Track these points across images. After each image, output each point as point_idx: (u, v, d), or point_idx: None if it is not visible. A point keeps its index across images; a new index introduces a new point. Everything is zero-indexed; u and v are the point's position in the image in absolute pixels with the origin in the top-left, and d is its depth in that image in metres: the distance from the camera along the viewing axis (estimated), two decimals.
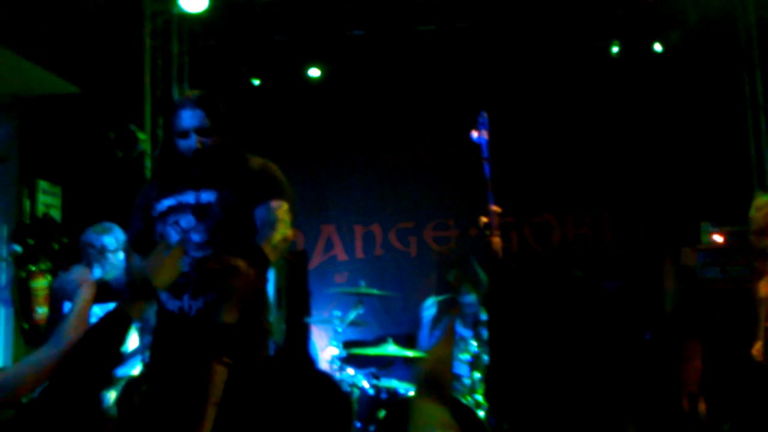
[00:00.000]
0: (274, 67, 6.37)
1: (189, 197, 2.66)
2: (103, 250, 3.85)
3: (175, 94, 5.99)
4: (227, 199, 2.63)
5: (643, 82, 6.03)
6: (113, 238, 3.89)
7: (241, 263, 2.04)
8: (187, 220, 2.63)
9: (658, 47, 5.85)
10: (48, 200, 5.90)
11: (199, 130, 2.61)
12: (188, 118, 2.62)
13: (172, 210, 2.67)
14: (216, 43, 6.30)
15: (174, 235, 2.63)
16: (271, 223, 2.52)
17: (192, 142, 2.62)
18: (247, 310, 2.45)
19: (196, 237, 2.60)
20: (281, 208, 2.59)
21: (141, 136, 5.71)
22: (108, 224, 3.93)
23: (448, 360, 1.69)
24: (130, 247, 2.79)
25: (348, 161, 6.41)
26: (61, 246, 5.57)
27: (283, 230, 2.50)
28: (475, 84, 5.99)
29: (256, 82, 6.40)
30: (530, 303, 1.23)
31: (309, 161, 6.44)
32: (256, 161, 2.74)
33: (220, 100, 2.72)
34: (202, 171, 2.66)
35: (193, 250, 2.58)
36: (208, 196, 2.64)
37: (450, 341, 1.75)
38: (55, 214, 5.91)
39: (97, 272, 3.89)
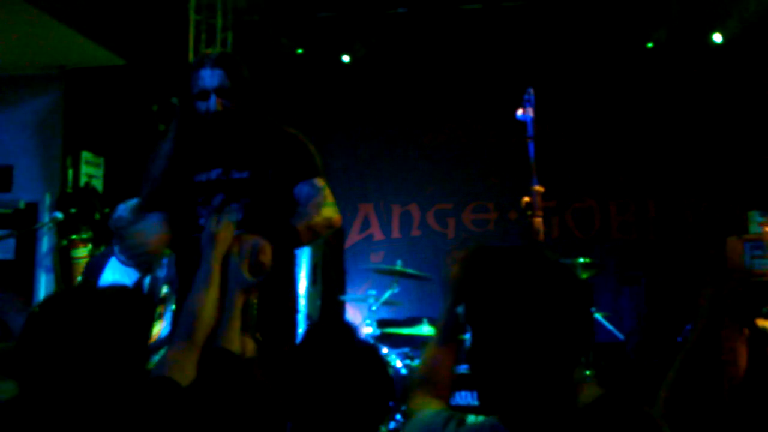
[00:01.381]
0: (317, 43, 6.34)
1: (219, 173, 2.50)
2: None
3: None
4: (260, 175, 2.48)
5: (694, 69, 5.85)
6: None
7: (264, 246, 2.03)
8: (217, 199, 2.48)
9: (717, 37, 5.67)
10: (91, 171, 5.98)
11: (220, 91, 2.41)
12: (208, 77, 2.41)
13: (201, 188, 2.52)
14: (259, 18, 6.29)
15: (205, 215, 2.47)
16: (318, 205, 2.41)
17: (212, 103, 2.41)
18: (273, 289, 2.42)
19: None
20: (326, 189, 2.48)
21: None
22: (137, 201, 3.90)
23: (443, 360, 1.67)
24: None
25: (388, 140, 6.36)
26: (102, 216, 5.64)
27: (329, 213, 2.42)
28: (520, 64, 5.87)
29: (299, 51, 6.36)
30: (501, 283, 1.31)
31: (348, 139, 6.41)
32: (287, 132, 2.57)
33: (252, 67, 2.55)
34: (231, 142, 2.49)
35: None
36: (239, 173, 2.49)
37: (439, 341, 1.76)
38: (98, 184, 5.99)
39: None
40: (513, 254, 1.36)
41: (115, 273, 3.87)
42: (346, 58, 6.26)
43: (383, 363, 1.67)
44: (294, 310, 2.65)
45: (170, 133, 2.57)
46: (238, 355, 1.82)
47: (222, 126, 2.46)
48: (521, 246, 1.43)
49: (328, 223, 2.42)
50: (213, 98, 2.41)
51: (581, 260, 4.56)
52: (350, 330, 1.63)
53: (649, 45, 5.80)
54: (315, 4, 6.14)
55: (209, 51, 2.80)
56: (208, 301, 1.86)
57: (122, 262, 3.88)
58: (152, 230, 2.50)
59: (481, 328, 1.33)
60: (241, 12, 6.21)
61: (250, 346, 1.95)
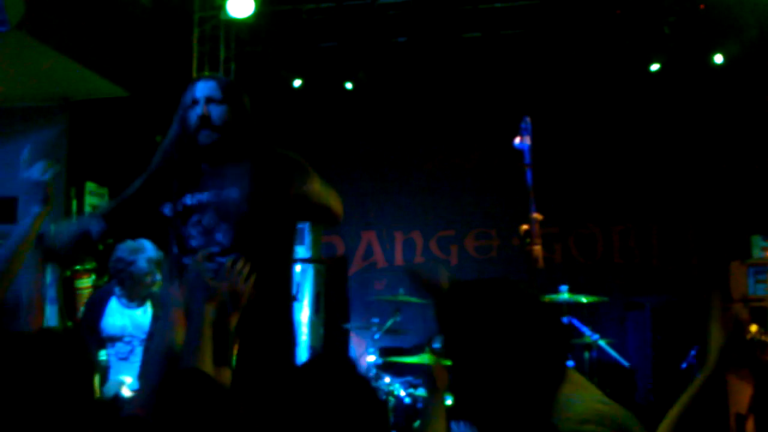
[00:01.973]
0: (317, 73, 6.40)
1: (210, 195, 2.47)
2: (133, 275, 3.77)
3: None
4: (251, 194, 2.43)
5: (694, 92, 5.89)
6: (144, 260, 3.80)
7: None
8: (208, 218, 2.45)
9: (718, 59, 5.69)
10: (95, 201, 6.00)
11: (209, 99, 2.44)
12: (200, 88, 2.47)
13: (192, 209, 2.48)
14: (262, 49, 6.36)
15: (196, 236, 2.46)
16: (306, 177, 2.41)
17: (198, 108, 2.43)
18: (262, 313, 2.39)
19: (219, 237, 2.43)
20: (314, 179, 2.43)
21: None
22: (139, 242, 3.86)
23: None
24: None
25: (390, 168, 6.39)
26: (105, 247, 5.65)
27: (318, 186, 2.40)
28: (520, 91, 5.92)
29: (297, 83, 6.41)
30: (476, 312, 1.35)
31: (351, 168, 6.44)
32: (281, 153, 2.53)
33: (254, 97, 2.60)
34: (219, 160, 2.45)
35: (217, 251, 2.41)
36: (229, 192, 2.44)
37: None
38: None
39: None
40: (483, 288, 1.40)
41: (115, 315, 3.87)
42: (348, 86, 6.31)
43: (378, 400, 1.66)
44: (288, 337, 2.58)
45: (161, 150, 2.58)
46: (212, 377, 1.74)
47: (205, 132, 2.44)
48: (491, 279, 1.45)
49: (320, 195, 2.40)
50: (200, 105, 2.43)
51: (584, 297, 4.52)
52: (350, 364, 1.62)
53: (654, 69, 5.80)
54: (316, 34, 6.21)
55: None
56: (206, 359, 1.80)
57: (123, 305, 3.88)
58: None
59: (459, 358, 1.36)
60: (243, 43, 6.28)
61: (225, 375, 1.91)
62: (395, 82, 6.28)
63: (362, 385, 1.60)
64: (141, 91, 5.90)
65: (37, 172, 2.10)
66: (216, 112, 2.45)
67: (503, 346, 1.30)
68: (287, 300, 2.59)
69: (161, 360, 1.78)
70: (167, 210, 2.54)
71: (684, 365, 4.81)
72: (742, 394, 4.67)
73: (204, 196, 2.48)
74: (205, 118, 2.43)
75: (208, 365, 1.74)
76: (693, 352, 4.82)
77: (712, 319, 1.76)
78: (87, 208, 5.88)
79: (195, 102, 2.45)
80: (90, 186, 6.01)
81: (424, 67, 6.17)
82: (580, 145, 6.04)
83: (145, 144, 5.88)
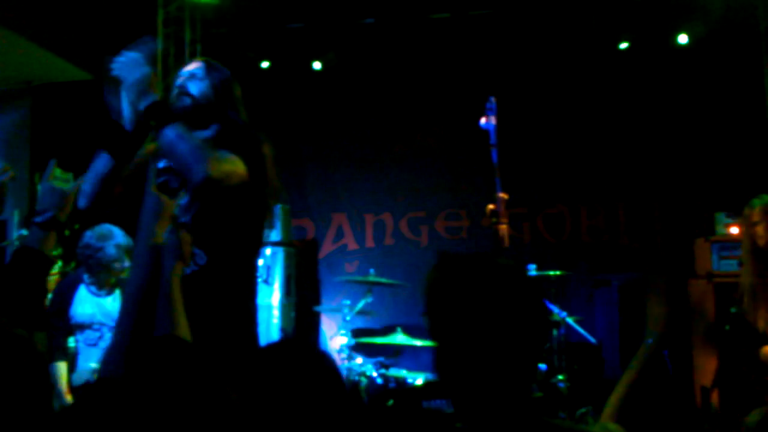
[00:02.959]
0: (285, 55, 6.34)
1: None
2: (102, 261, 3.72)
3: None
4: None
5: (659, 72, 5.95)
6: (113, 246, 3.75)
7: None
8: (173, 182, 2.46)
9: (682, 38, 5.76)
10: (61, 186, 5.92)
11: (192, 75, 2.49)
12: (187, 67, 2.53)
13: (161, 172, 2.49)
14: (228, 30, 6.29)
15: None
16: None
17: (178, 81, 2.49)
18: (227, 296, 2.38)
19: (182, 201, 2.43)
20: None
21: (152, 123, 5.71)
22: (107, 228, 3.80)
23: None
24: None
25: (359, 150, 6.38)
26: (72, 232, 5.58)
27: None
28: (487, 71, 5.93)
29: (265, 64, 6.36)
30: (464, 289, 1.34)
31: (320, 150, 6.41)
32: (261, 139, 2.54)
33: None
34: (192, 115, 2.45)
35: (178, 212, 2.41)
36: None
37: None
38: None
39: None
40: (467, 262, 1.38)
41: (85, 303, 3.83)
42: (317, 65, 6.27)
43: (343, 386, 1.66)
44: (249, 319, 2.57)
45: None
46: (189, 342, 1.73)
47: (181, 102, 2.46)
48: (475, 254, 1.44)
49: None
50: (181, 78, 2.48)
51: (551, 273, 4.58)
52: (317, 350, 1.62)
53: (622, 47, 5.86)
54: (283, 15, 6.15)
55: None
56: (180, 320, 1.78)
57: (92, 292, 3.84)
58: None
59: (443, 335, 1.35)
60: (209, 24, 6.20)
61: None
62: (363, 63, 6.25)
63: (329, 371, 1.60)
64: (105, 73, 5.81)
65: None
66: (195, 85, 2.48)
67: (490, 321, 1.29)
68: (249, 279, 2.57)
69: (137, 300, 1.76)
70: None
71: (650, 340, 4.89)
72: (707, 368, 4.78)
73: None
74: (182, 88, 2.47)
75: (183, 329, 1.74)
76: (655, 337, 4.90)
77: (653, 298, 1.80)
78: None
79: (178, 78, 2.51)
80: (55, 171, 5.91)
81: (392, 47, 6.15)
82: (548, 125, 6.08)
83: (110, 127, 5.80)
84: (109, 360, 1.65)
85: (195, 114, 2.47)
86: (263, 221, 2.54)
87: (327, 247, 6.37)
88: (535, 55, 6.00)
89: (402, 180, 6.31)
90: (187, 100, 2.47)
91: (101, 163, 2.55)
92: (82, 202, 2.52)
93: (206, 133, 2.47)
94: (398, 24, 6.04)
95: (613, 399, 1.69)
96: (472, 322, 1.30)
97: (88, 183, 2.52)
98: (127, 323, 1.80)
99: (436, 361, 1.36)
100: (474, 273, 1.34)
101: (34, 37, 5.03)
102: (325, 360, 1.63)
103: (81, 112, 5.95)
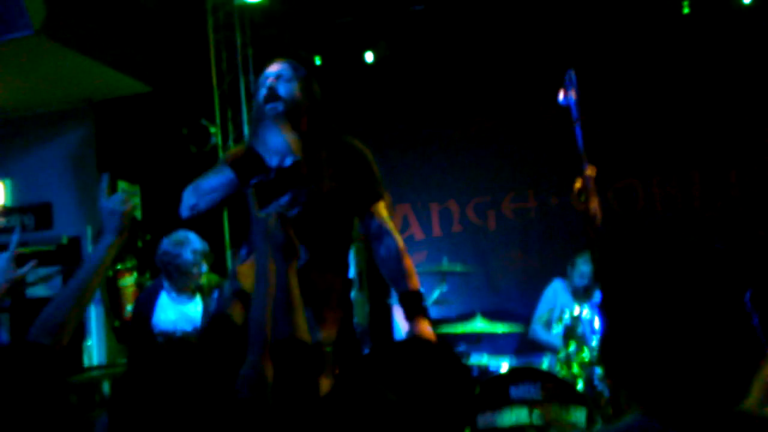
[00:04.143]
0: (337, 49, 6.31)
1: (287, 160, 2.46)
2: (180, 267, 3.76)
3: (242, 86, 6.02)
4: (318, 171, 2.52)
5: (731, 37, 5.70)
6: (190, 252, 3.79)
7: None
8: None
9: None
10: (133, 199, 6.02)
11: (278, 76, 2.51)
12: (272, 68, 2.55)
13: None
14: (278, 31, 6.29)
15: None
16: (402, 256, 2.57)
17: (267, 81, 2.51)
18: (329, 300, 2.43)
19: (282, 198, 2.47)
20: (389, 219, 2.61)
21: (212, 129, 5.76)
22: (183, 234, 3.85)
23: None
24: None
25: (419, 139, 6.31)
26: (144, 243, 5.68)
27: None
28: (546, 46, 5.76)
29: (318, 61, 6.35)
30: (646, 271, 1.21)
31: (378, 142, 6.32)
32: (349, 141, 2.65)
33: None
34: (285, 119, 2.46)
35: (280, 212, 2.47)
36: (291, 159, 2.44)
37: None
38: (136, 213, 6.03)
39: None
40: (651, 237, 1.28)
41: (167, 310, 3.88)
42: (369, 58, 6.22)
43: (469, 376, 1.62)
44: (348, 313, 2.64)
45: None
46: (311, 345, 1.71)
47: (270, 105, 2.48)
48: (654, 227, 1.30)
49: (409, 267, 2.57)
50: (269, 80, 2.50)
51: None
52: (445, 345, 1.58)
53: (686, 10, 5.65)
54: (331, 10, 6.12)
55: None
56: (300, 321, 1.75)
57: (173, 299, 3.89)
58: None
59: (625, 316, 1.23)
60: (258, 26, 6.21)
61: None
62: (415, 51, 6.17)
63: (456, 363, 1.56)
64: (163, 85, 5.88)
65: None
66: (283, 87, 2.49)
67: (682, 303, 1.17)
68: (345, 274, 2.63)
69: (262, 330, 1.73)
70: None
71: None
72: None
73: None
74: (271, 90, 2.48)
75: (303, 331, 1.71)
76: (747, 295, 4.72)
77: None
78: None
79: (264, 78, 2.53)
80: (122, 185, 6.03)
81: (443, 31, 6.05)
82: (611, 97, 5.89)
83: (171, 137, 5.88)
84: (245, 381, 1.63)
85: (288, 117, 2.48)
86: (354, 219, 2.57)
87: None
88: (598, 27, 5.79)
89: (464, 166, 6.21)
90: (280, 106, 2.47)
91: (223, 181, 2.49)
92: (185, 213, 2.54)
93: (296, 137, 2.48)
94: (448, 6, 5.93)
95: (759, 380, 1.59)
96: (662, 305, 1.18)
97: (196, 196, 2.51)
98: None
99: (608, 344, 1.25)
100: (668, 250, 1.23)
101: (90, 53, 5.11)
102: (455, 355, 1.60)
103: (143, 125, 6.04)
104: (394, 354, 1.52)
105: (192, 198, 2.52)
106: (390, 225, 2.57)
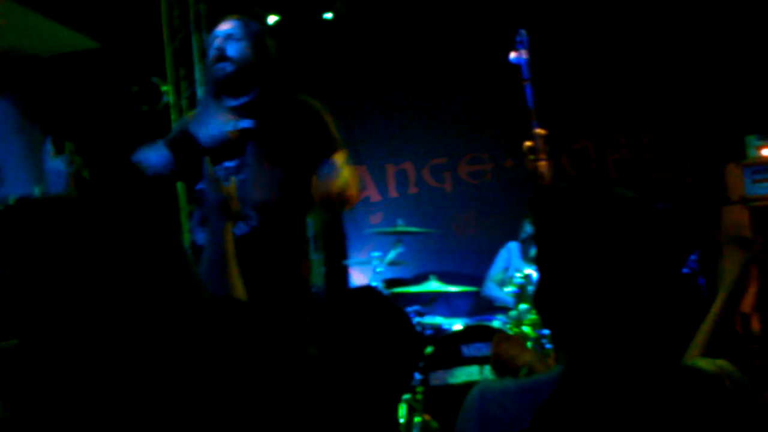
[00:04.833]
0: (294, 6, 6.19)
1: (228, 126, 2.54)
2: None
3: (194, 43, 5.88)
4: (264, 131, 2.50)
5: None
6: None
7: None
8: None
9: None
10: (76, 160, 5.87)
11: (228, 36, 2.51)
12: (221, 27, 2.55)
13: (213, 140, 2.56)
14: None
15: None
16: (332, 176, 2.46)
17: (215, 42, 2.52)
18: (286, 253, 2.42)
19: (228, 163, 2.50)
20: (344, 166, 2.50)
21: (164, 87, 5.62)
22: None
23: None
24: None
25: (375, 100, 6.26)
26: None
27: (342, 183, 2.45)
28: (501, 5, 5.73)
29: (272, 19, 6.21)
30: (580, 222, 1.21)
31: (334, 102, 6.26)
32: (304, 99, 2.62)
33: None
34: (234, 81, 2.48)
35: (226, 175, 2.46)
36: (244, 124, 2.51)
37: None
38: (86, 173, 5.89)
39: None
40: (584, 189, 1.28)
41: None
42: (328, 16, 6.12)
43: (411, 324, 1.63)
44: (305, 273, 2.63)
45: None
46: (245, 302, 1.69)
47: (222, 67, 2.49)
48: (591, 183, 1.31)
49: (342, 191, 2.45)
50: (218, 40, 2.51)
51: None
52: (380, 295, 1.58)
53: None
54: None
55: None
56: (235, 281, 1.74)
57: None
58: None
59: (553, 265, 1.24)
60: None
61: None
62: (374, 9, 6.09)
63: (398, 314, 1.57)
64: (111, 41, 5.70)
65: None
66: (233, 47, 2.49)
67: (607, 250, 1.17)
68: (301, 238, 2.62)
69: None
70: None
71: (686, 270, 4.84)
72: (747, 293, 4.72)
73: (224, 127, 2.54)
74: (220, 51, 2.48)
75: (239, 291, 1.70)
76: (693, 257, 4.85)
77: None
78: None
79: (213, 39, 2.54)
80: (69, 145, 5.86)
81: None
82: (562, 58, 5.90)
83: (122, 95, 5.72)
84: None
85: (237, 79, 2.48)
86: (310, 179, 2.55)
87: None
88: None
89: (420, 127, 6.19)
90: (229, 67, 2.48)
91: (162, 161, 2.63)
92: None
93: (246, 98, 2.47)
94: None
95: (701, 334, 1.63)
96: (591, 258, 1.18)
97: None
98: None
99: (540, 295, 1.25)
100: (599, 203, 1.22)
101: (36, 7, 4.93)
102: (394, 306, 1.60)
103: (92, 82, 5.86)
104: (327, 309, 1.53)
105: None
106: (340, 162, 2.49)
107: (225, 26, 2.54)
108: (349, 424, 1.33)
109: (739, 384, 1.22)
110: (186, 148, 2.57)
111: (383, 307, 1.54)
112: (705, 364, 1.26)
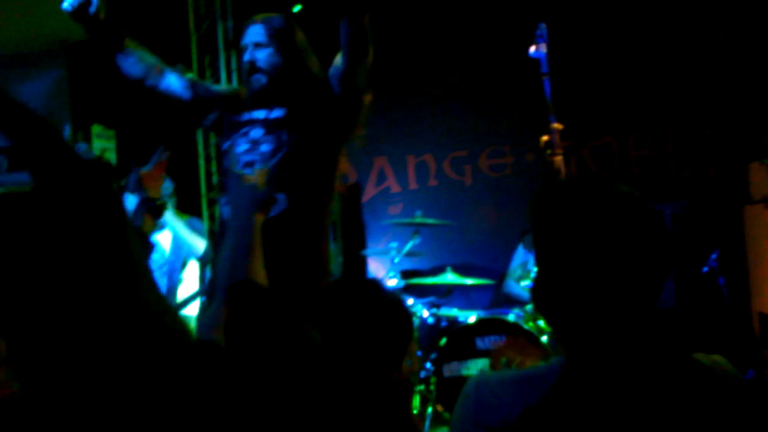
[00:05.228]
0: None
1: (259, 113, 2.67)
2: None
3: (220, 31, 5.92)
4: (296, 117, 2.63)
5: None
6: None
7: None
8: (256, 131, 2.64)
9: None
10: (103, 144, 5.96)
11: (256, 44, 2.64)
12: (248, 34, 2.68)
13: (241, 124, 2.69)
14: None
15: (243, 144, 2.64)
16: None
17: (246, 54, 2.66)
18: (305, 241, 2.47)
19: (264, 147, 2.61)
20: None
21: (189, 75, 5.67)
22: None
23: None
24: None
25: (398, 92, 6.26)
26: (119, 188, 5.63)
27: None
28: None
29: (297, 8, 6.23)
30: (577, 216, 1.23)
31: None
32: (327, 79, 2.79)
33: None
34: (270, 89, 2.64)
35: (261, 160, 2.58)
36: (278, 113, 2.65)
37: None
38: (111, 156, 5.98)
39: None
40: (582, 184, 1.29)
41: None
42: None
43: (407, 313, 1.65)
44: (324, 261, 2.69)
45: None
46: (267, 288, 1.71)
47: (252, 76, 2.65)
48: (591, 177, 1.32)
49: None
50: (248, 51, 2.66)
51: None
52: (374, 283, 1.61)
53: None
54: None
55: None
56: (258, 267, 1.76)
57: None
58: None
59: (550, 259, 1.26)
60: None
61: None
62: (396, 2, 6.09)
63: (391, 300, 1.59)
64: (138, 27, 5.76)
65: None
66: (261, 56, 2.62)
67: (602, 243, 1.19)
68: (325, 223, 2.71)
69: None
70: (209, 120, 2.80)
71: (705, 269, 4.81)
72: (765, 295, 4.68)
73: (254, 114, 2.69)
74: (251, 64, 2.63)
75: (260, 275, 1.74)
76: (714, 256, 4.81)
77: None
78: (95, 152, 5.84)
79: (244, 48, 2.68)
80: (96, 129, 5.95)
81: None
82: (587, 52, 5.86)
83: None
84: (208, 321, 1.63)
85: (271, 92, 2.60)
86: (336, 164, 2.65)
87: (370, 192, 6.33)
88: None
89: (442, 120, 6.19)
90: (263, 79, 2.62)
91: (179, 91, 2.88)
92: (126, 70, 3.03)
93: (279, 113, 2.60)
94: None
95: None
96: (587, 251, 1.20)
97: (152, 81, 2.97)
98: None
99: (538, 288, 1.27)
100: (595, 197, 1.23)
101: None
102: (393, 296, 1.62)
103: (117, 68, 5.92)
104: (327, 294, 1.56)
105: (148, 79, 2.60)
106: None
107: (251, 34, 2.69)
108: (349, 408, 1.36)
109: (732, 378, 1.23)
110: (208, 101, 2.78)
111: (373, 292, 1.57)
112: (700, 358, 1.27)
